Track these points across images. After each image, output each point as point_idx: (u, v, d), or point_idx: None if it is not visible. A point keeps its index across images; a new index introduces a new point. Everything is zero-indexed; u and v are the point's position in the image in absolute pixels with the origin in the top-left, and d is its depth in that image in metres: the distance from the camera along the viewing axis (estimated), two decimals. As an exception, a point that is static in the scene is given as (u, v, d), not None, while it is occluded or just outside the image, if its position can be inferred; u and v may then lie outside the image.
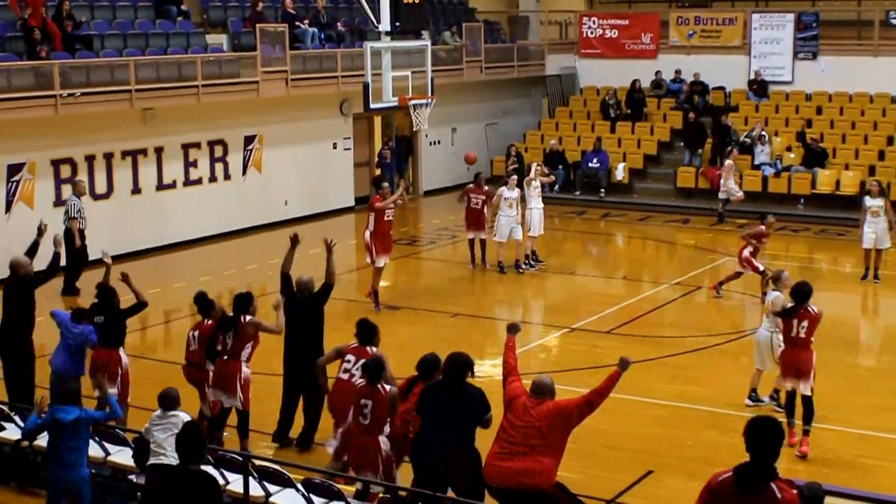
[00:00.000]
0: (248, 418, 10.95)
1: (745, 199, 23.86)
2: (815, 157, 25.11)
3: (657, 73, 29.07)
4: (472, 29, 27.91)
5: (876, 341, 17.06)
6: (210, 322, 11.16)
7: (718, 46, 28.57)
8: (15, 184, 18.79)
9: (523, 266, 19.41)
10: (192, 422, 7.92)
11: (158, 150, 21.20)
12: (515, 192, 19.16)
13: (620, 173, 27.05)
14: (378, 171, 24.98)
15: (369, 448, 9.18)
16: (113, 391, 11.04)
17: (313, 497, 8.72)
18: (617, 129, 28.40)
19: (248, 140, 23.08)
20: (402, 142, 27.59)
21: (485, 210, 19.31)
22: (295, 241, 11.65)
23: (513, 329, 9.40)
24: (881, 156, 25.39)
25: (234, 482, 9.04)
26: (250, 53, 21.96)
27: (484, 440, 8.72)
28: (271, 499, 8.86)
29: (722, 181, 23.99)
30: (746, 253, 17.07)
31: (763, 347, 12.45)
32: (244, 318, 10.83)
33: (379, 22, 17.01)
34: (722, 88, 28.49)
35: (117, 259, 18.16)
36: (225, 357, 10.85)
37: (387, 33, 16.99)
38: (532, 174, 19.79)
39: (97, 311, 11.32)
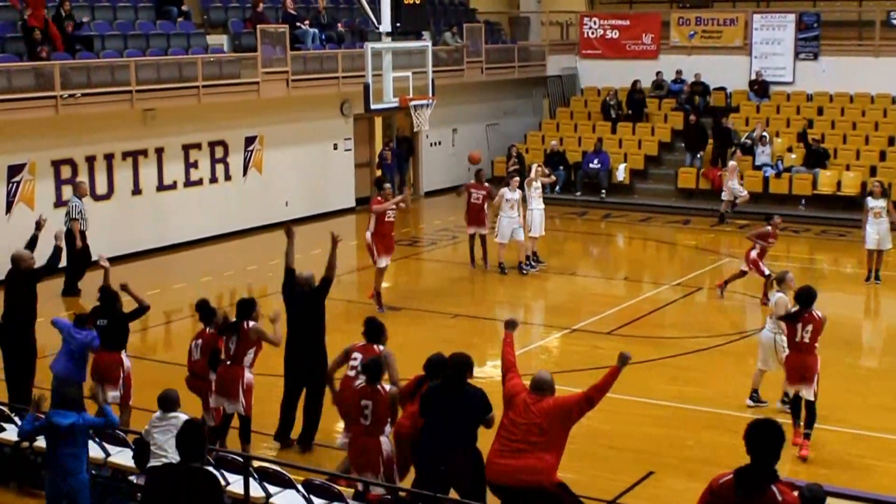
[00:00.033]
0: (250, 424, 10.94)
1: (749, 199, 23.91)
2: (816, 158, 25.10)
3: (658, 73, 29.07)
4: (473, 29, 27.91)
5: (876, 342, 17.05)
6: (212, 330, 11.13)
7: (719, 47, 28.56)
8: (15, 184, 18.79)
9: (526, 267, 19.40)
10: (193, 419, 7.89)
11: (159, 151, 21.20)
12: (517, 194, 19.14)
13: (621, 174, 27.04)
14: (379, 172, 25.01)
15: (370, 449, 9.18)
16: (115, 394, 11.06)
17: (314, 498, 8.72)
18: (618, 130, 28.40)
19: (249, 141, 23.08)
20: (403, 142, 27.58)
21: (485, 206, 19.33)
22: (290, 233, 11.68)
23: (511, 325, 9.39)
24: (882, 156, 25.38)
25: (235, 483, 9.03)
26: (251, 54, 21.96)
27: (485, 439, 8.72)
28: (272, 500, 8.86)
29: (725, 182, 24.02)
30: (754, 255, 17.01)
31: (766, 348, 12.46)
32: (247, 325, 10.80)
33: (380, 22, 17.02)
34: (723, 89, 28.49)
35: (118, 260, 18.22)
36: (228, 362, 10.82)
37: (387, 34, 16.99)
38: (533, 175, 19.78)
39: (100, 315, 11.30)
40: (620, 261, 22.55)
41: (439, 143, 28.31)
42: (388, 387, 9.34)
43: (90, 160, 19.93)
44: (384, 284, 17.45)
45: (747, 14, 28.43)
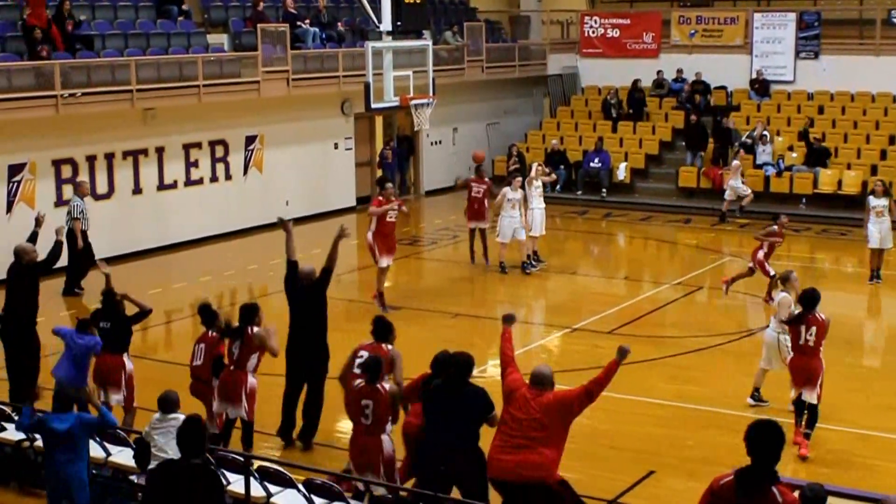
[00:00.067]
0: (253, 429, 10.90)
1: (753, 198, 23.92)
2: (817, 157, 25.09)
3: (659, 72, 29.06)
4: (474, 28, 27.90)
5: (877, 341, 17.03)
6: (213, 334, 11.11)
7: (720, 46, 28.54)
8: (16, 184, 18.78)
9: (529, 267, 19.38)
10: (193, 416, 7.89)
11: (159, 150, 21.19)
12: (519, 194, 19.10)
13: (622, 173, 27.03)
14: (380, 172, 25.01)
15: (371, 448, 9.17)
16: (118, 397, 11.04)
17: (314, 497, 8.72)
18: (618, 129, 28.39)
19: (250, 140, 23.07)
20: (404, 142, 27.59)
21: (486, 201, 19.33)
22: (286, 226, 11.67)
23: (509, 320, 9.40)
24: (883, 155, 25.36)
25: (236, 482, 9.03)
26: (251, 53, 21.96)
27: (485, 436, 8.71)
28: (272, 499, 8.85)
29: (727, 181, 24.02)
30: (760, 255, 17.00)
31: (770, 348, 12.45)
32: (251, 330, 10.77)
33: (380, 22, 17.02)
34: (724, 88, 28.48)
35: (118, 259, 18.23)
36: (231, 367, 10.80)
37: (388, 33, 17.00)
38: (533, 174, 19.77)
39: (103, 317, 11.28)
40: (621, 260, 22.54)
41: (440, 143, 28.31)
42: (388, 386, 9.33)
43: (91, 159, 19.92)
44: (385, 284, 17.44)
45: (748, 13, 28.41)
